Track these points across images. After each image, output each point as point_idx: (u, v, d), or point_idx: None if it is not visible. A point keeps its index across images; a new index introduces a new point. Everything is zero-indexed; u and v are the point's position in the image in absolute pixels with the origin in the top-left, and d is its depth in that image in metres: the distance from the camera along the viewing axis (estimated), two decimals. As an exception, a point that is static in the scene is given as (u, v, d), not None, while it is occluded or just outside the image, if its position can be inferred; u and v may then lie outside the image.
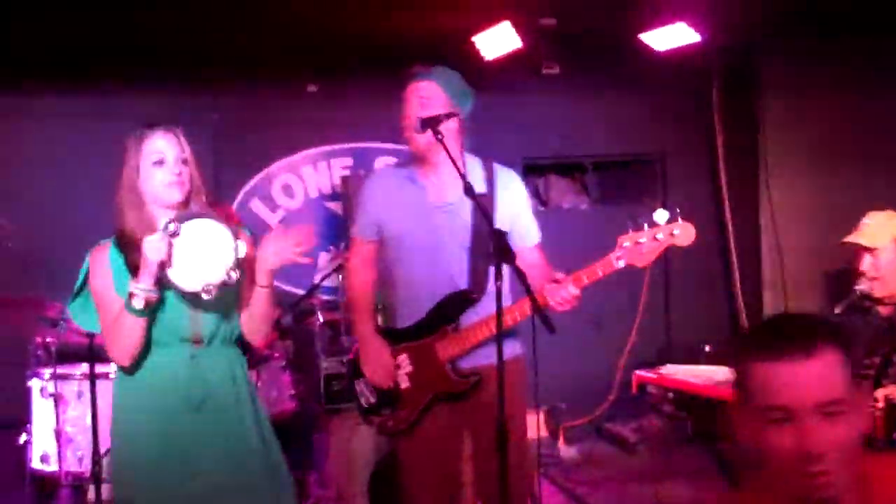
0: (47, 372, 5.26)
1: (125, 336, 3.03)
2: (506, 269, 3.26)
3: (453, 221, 3.47)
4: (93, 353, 4.65)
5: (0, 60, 6.43)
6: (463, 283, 3.46)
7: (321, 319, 5.46)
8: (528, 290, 3.10)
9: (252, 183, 7.37)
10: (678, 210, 3.26)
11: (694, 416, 4.85)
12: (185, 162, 3.08)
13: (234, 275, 2.98)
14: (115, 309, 3.03)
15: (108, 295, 3.07)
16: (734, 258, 7.82)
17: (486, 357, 3.39)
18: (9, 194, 6.40)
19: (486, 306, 3.33)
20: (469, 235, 3.45)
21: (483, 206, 3.21)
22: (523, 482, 3.64)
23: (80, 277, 3.15)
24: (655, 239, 3.21)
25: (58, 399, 5.17)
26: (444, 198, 3.52)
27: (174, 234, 2.94)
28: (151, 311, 2.99)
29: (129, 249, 3.04)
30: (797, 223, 7.65)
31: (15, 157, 6.71)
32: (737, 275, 7.82)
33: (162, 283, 2.98)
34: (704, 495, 4.17)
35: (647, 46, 6.61)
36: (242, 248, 3.02)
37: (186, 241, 2.97)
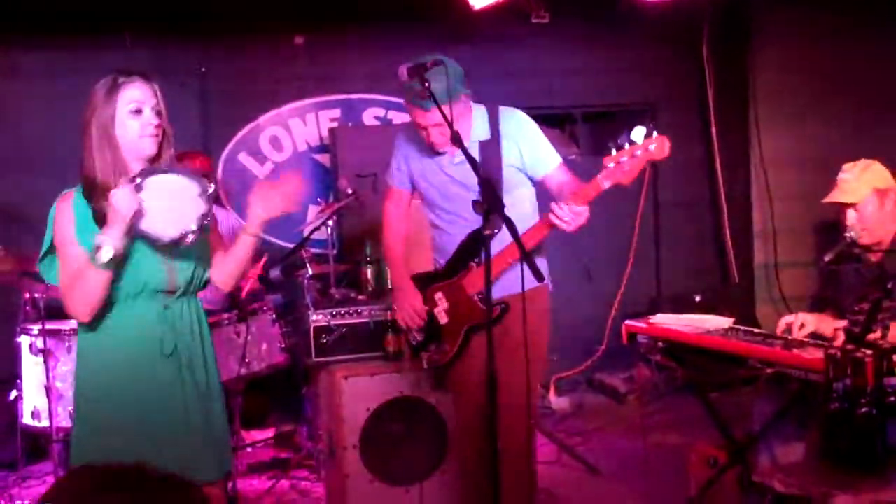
0: (36, 328, 5.24)
1: (87, 290, 2.95)
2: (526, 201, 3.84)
3: (464, 170, 3.60)
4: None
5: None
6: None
7: (310, 272, 5.43)
8: (516, 238, 3.29)
9: (240, 136, 7.30)
10: (652, 126, 3.48)
11: (684, 366, 4.85)
12: (159, 113, 3.06)
13: (203, 222, 2.97)
14: (77, 260, 2.97)
15: (69, 245, 3.01)
16: (724, 208, 7.82)
17: (509, 288, 3.65)
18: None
19: (504, 240, 3.49)
20: (479, 180, 3.51)
21: (469, 156, 3.34)
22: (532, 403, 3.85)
23: (48, 231, 3.08)
24: (634, 156, 3.33)
25: (47, 355, 5.16)
26: (456, 151, 3.69)
27: (139, 188, 2.91)
28: (115, 265, 2.94)
29: (97, 197, 2.99)
30: (787, 173, 7.66)
31: (5, 116, 6.64)
32: (727, 225, 7.83)
33: (135, 235, 2.95)
34: (695, 444, 4.21)
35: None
36: (209, 200, 3.00)
37: (155, 195, 2.93)
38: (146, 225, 2.94)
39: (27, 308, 5.44)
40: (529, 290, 3.48)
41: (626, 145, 3.34)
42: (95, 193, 3.00)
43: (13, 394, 5.42)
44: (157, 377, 3.06)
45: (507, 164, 3.78)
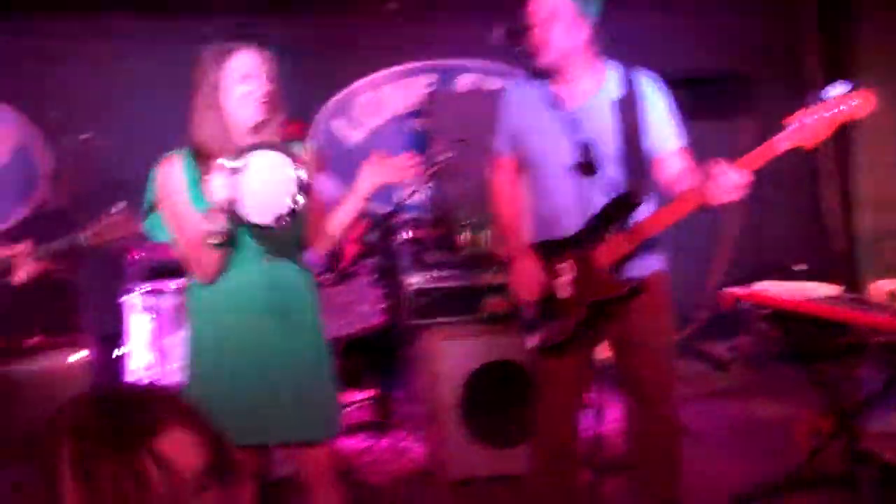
0: (142, 287, 5.35)
1: (205, 262, 3.01)
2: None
3: (592, 128, 3.30)
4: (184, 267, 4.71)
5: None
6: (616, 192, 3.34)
7: (407, 235, 5.45)
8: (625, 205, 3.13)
9: (335, 102, 7.33)
10: (856, 82, 3.00)
11: (787, 334, 4.75)
12: (269, 81, 3.06)
13: (301, 199, 2.95)
14: (194, 224, 2.99)
15: (183, 208, 3.03)
16: (827, 177, 7.63)
17: (640, 269, 3.38)
18: (94, 113, 6.45)
19: (644, 211, 3.26)
20: (613, 140, 3.31)
21: (574, 120, 3.17)
22: (669, 398, 3.58)
23: (149, 191, 3.10)
24: (825, 114, 2.93)
25: (153, 313, 5.26)
26: (574, 105, 3.40)
27: (239, 171, 2.91)
28: (227, 241, 2.97)
29: (202, 163, 3.01)
30: (891, 142, 7.43)
31: (96, 77, 6.75)
32: (829, 194, 7.63)
33: (234, 217, 2.94)
34: (799, 413, 4.11)
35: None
36: (305, 173, 2.98)
37: (249, 176, 2.92)
38: (241, 210, 2.93)
39: (134, 267, 5.55)
40: (655, 272, 3.43)
41: (814, 104, 2.96)
42: (200, 159, 3.03)
43: (120, 351, 5.55)
44: (260, 335, 3.08)
45: (644, 133, 3.43)
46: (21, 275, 3.12)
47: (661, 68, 3.55)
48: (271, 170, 2.94)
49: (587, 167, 3.07)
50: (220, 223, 2.90)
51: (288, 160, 2.95)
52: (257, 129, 3.07)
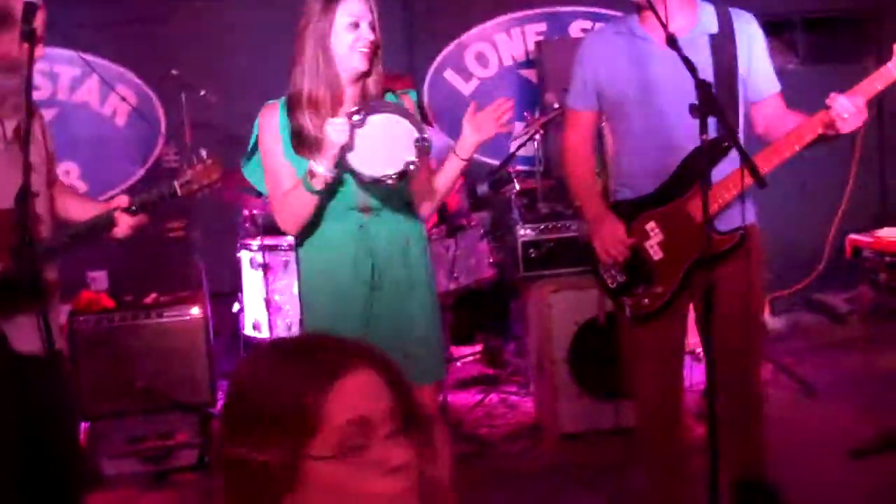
0: (255, 243, 5.46)
1: (297, 208, 3.05)
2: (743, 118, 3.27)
3: (678, 65, 2.89)
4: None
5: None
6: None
7: (517, 188, 5.41)
8: (739, 147, 2.85)
9: (445, 53, 7.30)
10: None
11: (912, 284, 4.58)
12: (374, 29, 3.05)
13: (414, 168, 2.95)
14: (284, 176, 3.05)
15: (277, 160, 3.08)
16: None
17: (733, 222, 3.20)
18: (213, 72, 6.55)
19: (734, 158, 2.95)
20: (709, 81, 3.00)
21: (685, 57, 2.81)
22: (757, 360, 3.51)
23: (252, 138, 3.16)
24: None
25: (266, 269, 5.37)
26: (662, 39, 3.05)
27: (359, 125, 2.92)
28: (327, 190, 2.99)
29: (302, 111, 3.03)
30: None
31: (216, 36, 6.85)
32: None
33: (340, 164, 2.96)
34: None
35: None
36: (427, 147, 2.98)
37: (370, 132, 2.94)
38: (351, 159, 2.96)
39: (246, 224, 5.66)
40: (748, 225, 3.25)
41: None
42: (300, 107, 3.04)
43: (235, 306, 5.67)
44: (354, 300, 3.12)
45: (740, 72, 3.28)
46: (124, 229, 3.12)
47: (774, 9, 3.41)
48: (392, 132, 2.96)
49: (704, 109, 2.74)
50: (327, 168, 2.92)
51: (412, 129, 2.96)
52: (360, 79, 3.07)
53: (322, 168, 2.93)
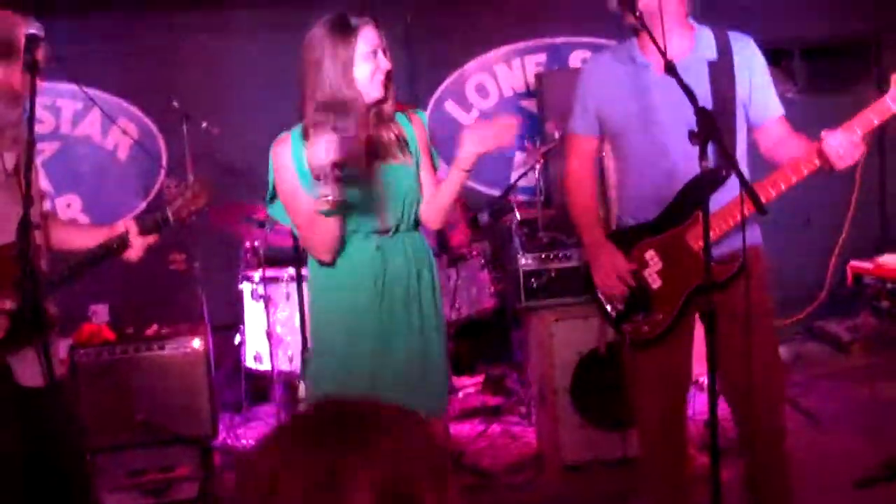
0: (257, 275, 5.45)
1: (322, 235, 3.07)
2: (744, 144, 3.24)
3: (676, 91, 2.90)
4: (299, 255, 4.79)
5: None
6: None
7: (518, 217, 5.41)
8: (739, 174, 2.83)
9: (446, 84, 7.33)
10: None
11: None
12: (386, 55, 3.08)
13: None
14: (305, 206, 3.03)
15: (296, 192, 3.08)
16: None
17: (732, 245, 3.14)
18: (215, 105, 6.57)
19: (733, 186, 2.93)
20: (708, 105, 3.05)
21: (684, 85, 2.83)
22: (776, 384, 3.41)
23: (270, 174, 3.17)
24: None
25: (267, 301, 5.36)
26: (661, 64, 3.07)
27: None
28: (342, 207, 2.97)
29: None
30: None
31: (218, 69, 6.89)
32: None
33: (346, 180, 2.95)
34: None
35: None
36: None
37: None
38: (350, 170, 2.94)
39: (248, 256, 5.66)
40: (752, 247, 3.20)
41: None
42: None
43: (237, 338, 5.66)
44: (371, 314, 3.12)
45: (738, 99, 3.24)
46: (138, 250, 3.21)
47: (772, 37, 3.39)
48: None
49: (703, 135, 2.74)
50: (328, 189, 2.90)
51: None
52: (376, 104, 3.09)
53: (324, 192, 2.90)
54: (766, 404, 3.33)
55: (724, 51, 3.22)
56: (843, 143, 2.95)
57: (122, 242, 3.20)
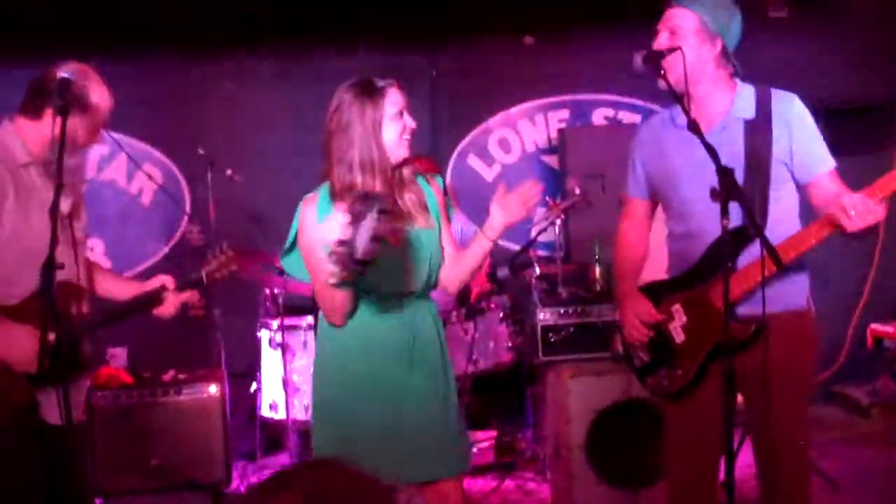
0: (275, 323, 5.47)
1: (334, 302, 3.08)
2: (790, 200, 3.19)
3: (723, 151, 2.93)
4: (316, 304, 4.79)
5: (226, 29, 6.70)
6: (735, 221, 2.94)
7: (537, 272, 5.42)
8: (760, 233, 2.84)
9: (469, 138, 7.38)
10: None
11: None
12: (413, 118, 3.12)
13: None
14: (322, 269, 3.00)
15: (314, 254, 3.08)
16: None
17: (771, 306, 3.01)
18: (239, 152, 6.64)
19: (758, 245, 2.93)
20: (740, 167, 3.08)
21: (706, 143, 2.86)
22: (797, 456, 3.29)
23: (292, 230, 3.18)
24: None
25: (285, 349, 5.37)
26: (709, 129, 3.16)
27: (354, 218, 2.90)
28: (350, 283, 2.96)
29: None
30: None
31: (243, 117, 6.97)
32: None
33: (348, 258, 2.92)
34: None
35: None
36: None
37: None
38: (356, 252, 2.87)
39: (267, 304, 5.69)
40: (792, 311, 3.18)
41: None
42: (341, 198, 3.05)
43: (253, 386, 5.67)
44: (395, 377, 3.11)
45: (777, 157, 3.18)
46: (170, 308, 3.35)
47: (804, 101, 3.36)
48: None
49: (723, 195, 2.77)
50: (338, 264, 2.92)
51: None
52: (401, 166, 3.12)
53: (332, 265, 2.89)
54: (788, 474, 3.27)
55: (764, 109, 3.20)
56: (857, 205, 2.89)
57: (158, 297, 3.33)
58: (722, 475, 3.46)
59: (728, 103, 3.24)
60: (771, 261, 2.83)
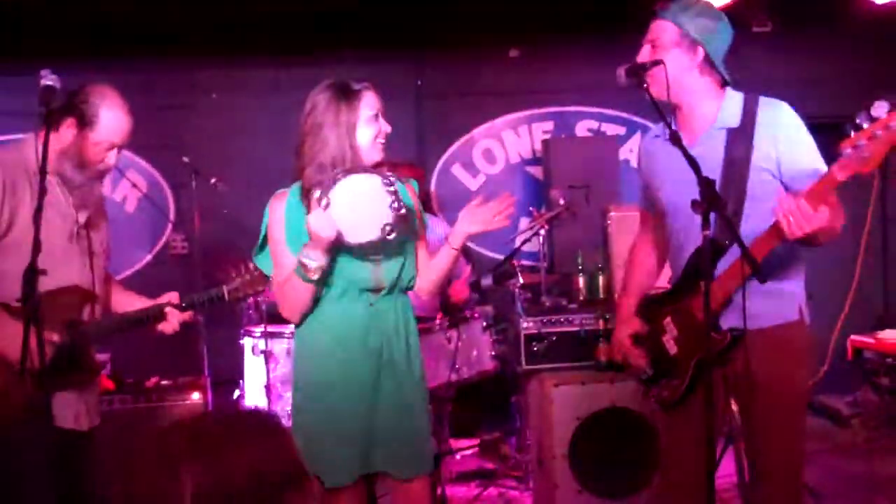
0: (258, 330, 5.46)
1: (296, 297, 3.11)
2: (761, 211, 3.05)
3: (708, 162, 2.99)
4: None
5: (211, 38, 6.71)
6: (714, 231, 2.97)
7: (521, 281, 5.43)
8: (740, 243, 2.83)
9: (454, 148, 7.41)
10: None
11: (914, 387, 4.57)
12: (386, 120, 3.15)
13: (402, 210, 2.99)
14: (285, 264, 3.10)
15: (280, 250, 3.14)
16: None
17: (751, 320, 3.04)
18: (224, 161, 6.66)
19: (735, 255, 2.95)
20: (718, 179, 3.05)
21: (685, 150, 2.88)
22: (791, 466, 3.25)
23: (263, 226, 3.21)
24: (874, 136, 2.69)
25: (268, 356, 5.36)
26: (695, 140, 3.18)
27: (327, 206, 2.95)
28: (322, 277, 3.03)
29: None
30: None
31: (229, 127, 6.99)
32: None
33: (339, 246, 3.02)
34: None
35: (865, 0, 6.25)
36: (401, 190, 3.07)
37: (344, 203, 2.96)
38: (347, 237, 3.00)
39: (250, 311, 5.68)
40: (784, 324, 3.16)
41: (865, 124, 2.70)
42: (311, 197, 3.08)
43: (236, 393, 5.66)
44: (360, 372, 3.13)
45: (757, 164, 3.12)
46: (173, 324, 3.37)
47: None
48: (364, 190, 2.98)
49: (704, 206, 2.78)
50: (318, 258, 2.97)
51: (377, 178, 3.00)
52: (376, 167, 3.12)
53: (314, 259, 2.99)
54: (775, 483, 3.25)
55: (749, 117, 3.15)
56: (794, 212, 2.81)
57: (160, 313, 3.36)
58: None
59: (715, 113, 3.21)
60: (749, 267, 2.84)
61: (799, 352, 3.23)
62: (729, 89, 3.24)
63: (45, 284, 2.91)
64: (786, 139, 3.11)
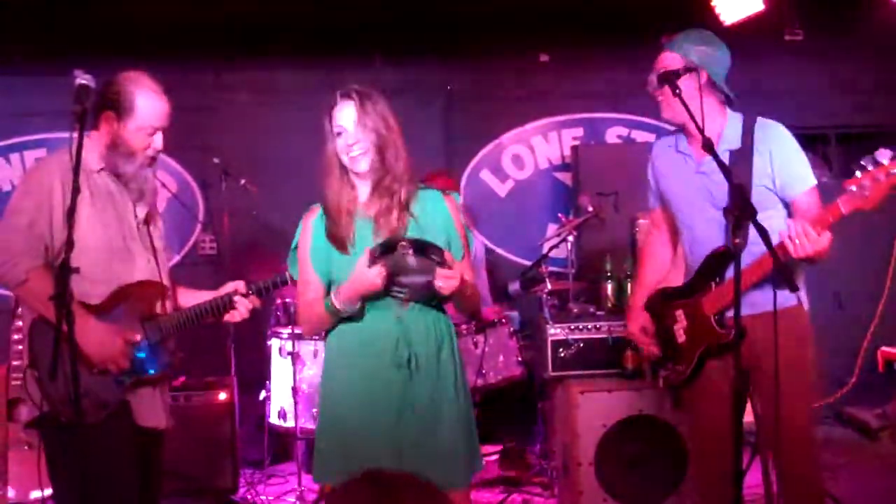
0: (285, 331, 5.47)
1: (318, 322, 3.16)
2: (778, 222, 3.33)
3: (712, 182, 3.44)
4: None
5: (249, 42, 6.75)
6: (718, 242, 3.45)
7: (549, 287, 5.42)
8: (770, 247, 2.98)
9: (483, 153, 7.41)
10: None
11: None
12: (365, 128, 3.07)
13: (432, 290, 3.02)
14: (309, 281, 3.14)
15: (304, 266, 3.18)
16: None
17: (750, 307, 3.34)
18: (254, 162, 6.68)
19: (746, 260, 3.18)
20: (726, 193, 3.37)
21: (723, 165, 3.10)
22: (806, 448, 3.53)
23: (296, 234, 3.25)
24: (877, 180, 3.03)
25: (295, 358, 5.37)
26: (702, 159, 3.50)
27: (386, 276, 2.97)
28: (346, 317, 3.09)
29: (330, 218, 3.13)
30: None
31: (259, 128, 7.01)
32: None
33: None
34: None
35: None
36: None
37: (396, 272, 3.00)
38: (393, 292, 3.05)
39: (278, 313, 5.70)
40: (782, 309, 3.29)
41: (870, 167, 3.06)
42: (329, 214, 3.14)
43: (262, 394, 5.67)
44: (387, 383, 3.10)
45: (757, 182, 3.43)
46: (242, 312, 3.44)
47: (809, 122, 3.47)
48: (413, 268, 3.00)
49: (737, 213, 3.03)
50: (352, 305, 3.04)
51: (432, 264, 3.00)
52: (370, 176, 3.13)
53: (349, 307, 3.04)
54: (790, 461, 3.50)
55: (748, 138, 3.48)
56: (800, 235, 3.12)
57: (229, 302, 3.41)
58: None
59: (719, 133, 3.50)
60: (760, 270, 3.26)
61: (802, 330, 3.54)
62: (730, 112, 3.56)
63: (114, 284, 3.06)
64: (780, 154, 3.45)
